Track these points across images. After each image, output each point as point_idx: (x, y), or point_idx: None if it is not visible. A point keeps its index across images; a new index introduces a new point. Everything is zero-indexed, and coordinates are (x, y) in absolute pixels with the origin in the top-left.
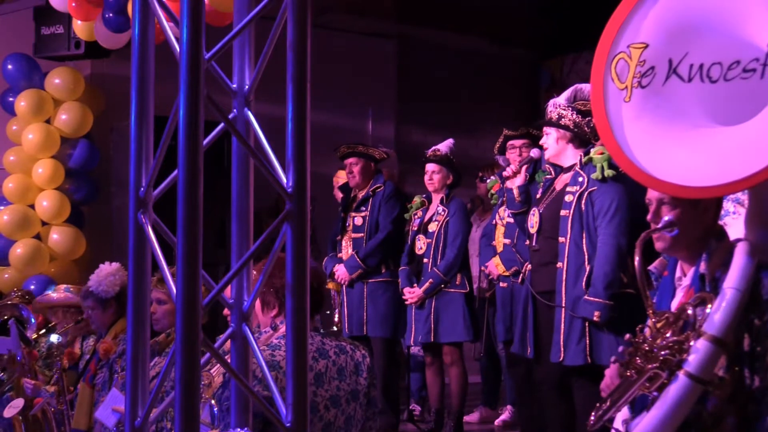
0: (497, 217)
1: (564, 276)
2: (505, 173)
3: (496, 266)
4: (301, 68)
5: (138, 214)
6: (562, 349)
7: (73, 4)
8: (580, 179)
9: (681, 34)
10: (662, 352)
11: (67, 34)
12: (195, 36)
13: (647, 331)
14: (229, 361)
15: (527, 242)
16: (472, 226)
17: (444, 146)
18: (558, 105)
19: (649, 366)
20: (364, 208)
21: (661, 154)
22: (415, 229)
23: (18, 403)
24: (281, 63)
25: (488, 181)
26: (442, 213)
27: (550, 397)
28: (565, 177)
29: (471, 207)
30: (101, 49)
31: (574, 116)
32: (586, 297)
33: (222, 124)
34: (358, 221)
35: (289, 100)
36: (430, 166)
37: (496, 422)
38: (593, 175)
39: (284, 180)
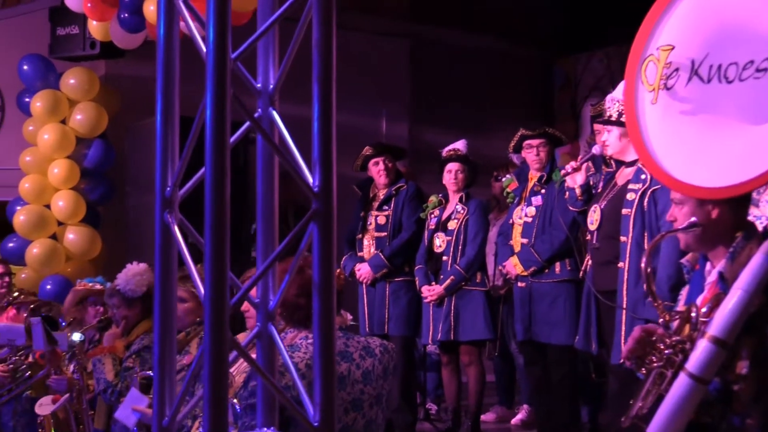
0: (514, 216)
1: (625, 276)
2: (563, 171)
3: (514, 266)
4: (327, 67)
5: (164, 214)
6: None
7: (89, 5)
8: (643, 177)
9: (703, 35)
10: (666, 351)
11: (82, 35)
12: (221, 36)
13: (661, 329)
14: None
15: (588, 238)
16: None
17: (462, 146)
18: (617, 101)
19: (655, 365)
20: (386, 207)
21: (681, 156)
22: (432, 227)
23: (47, 400)
24: (303, 64)
25: (504, 179)
26: (462, 211)
27: (617, 387)
28: (627, 172)
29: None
30: (116, 49)
31: None
32: (650, 299)
33: (247, 123)
34: (381, 220)
35: (314, 99)
36: (453, 165)
37: (513, 421)
38: None
39: (310, 179)
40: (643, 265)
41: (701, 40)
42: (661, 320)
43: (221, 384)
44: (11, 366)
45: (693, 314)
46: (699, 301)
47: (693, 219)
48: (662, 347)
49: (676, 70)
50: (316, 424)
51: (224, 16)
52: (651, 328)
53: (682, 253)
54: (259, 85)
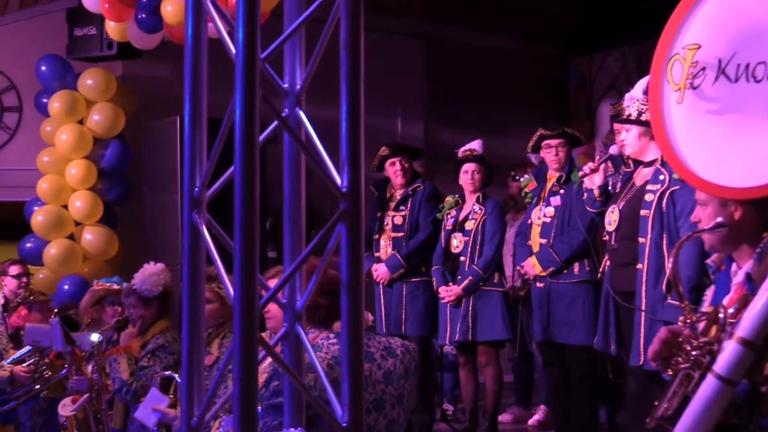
0: (533, 216)
1: (644, 278)
2: (581, 172)
3: (532, 266)
4: (355, 67)
5: (192, 214)
6: (642, 352)
7: (106, 6)
8: (662, 177)
9: (730, 34)
10: (693, 353)
11: (99, 35)
12: (251, 37)
13: (687, 330)
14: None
15: (605, 238)
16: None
17: (477, 146)
18: (636, 99)
19: (682, 366)
20: (403, 207)
21: (707, 156)
22: (449, 228)
23: (68, 400)
24: (327, 66)
25: (522, 180)
26: (479, 211)
27: (636, 388)
28: (645, 172)
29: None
30: (133, 49)
31: None
32: (669, 300)
33: (275, 123)
34: (398, 220)
35: (342, 99)
36: (469, 166)
37: (530, 422)
38: (675, 175)
39: (338, 179)
40: (670, 265)
41: (728, 39)
42: (687, 321)
43: (251, 383)
44: (31, 366)
45: (720, 315)
46: (726, 301)
47: (719, 219)
48: (689, 348)
49: (703, 69)
50: (344, 424)
51: (253, 17)
52: (677, 329)
53: (702, 255)
54: (286, 86)
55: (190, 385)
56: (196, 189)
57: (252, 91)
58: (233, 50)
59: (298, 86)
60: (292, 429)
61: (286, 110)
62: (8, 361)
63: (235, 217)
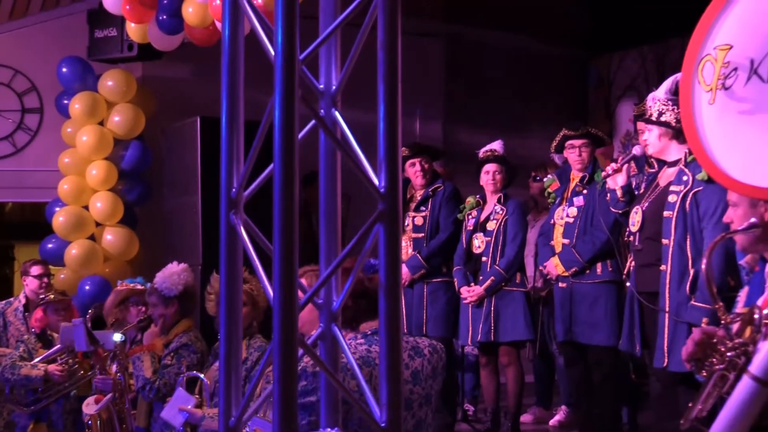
0: (555, 216)
1: (668, 279)
2: (604, 172)
3: (555, 266)
4: (392, 68)
5: (230, 215)
6: (666, 354)
7: (127, 7)
8: (685, 178)
9: (762, 34)
10: (728, 354)
11: (120, 37)
12: (290, 38)
13: (721, 331)
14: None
15: (630, 239)
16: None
17: (498, 146)
18: (658, 100)
19: (716, 367)
20: (423, 208)
21: (739, 156)
22: (471, 228)
23: (91, 399)
24: (361, 69)
25: (545, 180)
26: (501, 212)
27: (660, 390)
28: (669, 172)
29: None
30: (153, 51)
31: (677, 111)
32: (693, 302)
33: (311, 123)
34: (419, 221)
35: (380, 99)
36: (491, 166)
37: (551, 422)
38: (698, 176)
39: (375, 180)
40: (703, 267)
41: (761, 40)
42: (721, 322)
43: (291, 383)
44: (64, 365)
45: (755, 316)
46: (760, 302)
47: (753, 220)
48: (723, 349)
49: (735, 69)
50: (383, 424)
51: (292, 19)
52: (711, 330)
53: (725, 257)
54: (321, 86)
55: (228, 386)
56: (234, 190)
57: (291, 92)
58: (272, 52)
59: (334, 87)
60: (329, 429)
61: (322, 111)
62: (38, 360)
63: (274, 218)
